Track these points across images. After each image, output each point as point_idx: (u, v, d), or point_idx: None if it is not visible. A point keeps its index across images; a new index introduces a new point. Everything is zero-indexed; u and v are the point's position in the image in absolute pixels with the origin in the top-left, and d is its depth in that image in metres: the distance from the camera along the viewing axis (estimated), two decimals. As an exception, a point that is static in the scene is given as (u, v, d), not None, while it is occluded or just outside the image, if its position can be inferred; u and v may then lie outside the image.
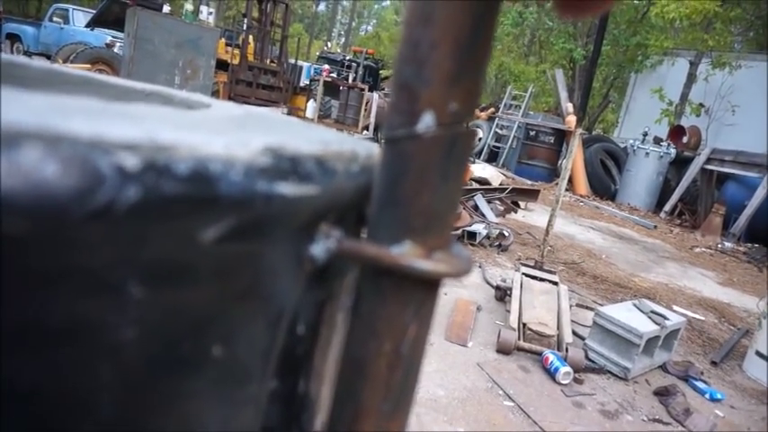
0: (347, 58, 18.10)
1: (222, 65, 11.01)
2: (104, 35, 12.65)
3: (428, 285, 0.31)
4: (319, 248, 0.30)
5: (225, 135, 0.24)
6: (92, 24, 13.16)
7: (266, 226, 0.25)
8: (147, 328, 0.22)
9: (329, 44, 28.15)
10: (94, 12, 13.44)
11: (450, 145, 0.29)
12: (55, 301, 0.19)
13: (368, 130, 12.02)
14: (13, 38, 14.07)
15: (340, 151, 0.30)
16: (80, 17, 13.93)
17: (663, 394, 2.85)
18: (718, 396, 2.99)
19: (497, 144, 13.43)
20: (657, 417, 2.66)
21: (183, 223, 0.21)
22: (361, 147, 0.34)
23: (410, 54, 0.28)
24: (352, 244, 0.30)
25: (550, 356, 2.85)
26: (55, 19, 13.87)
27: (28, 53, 13.25)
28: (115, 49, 11.40)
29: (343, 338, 0.32)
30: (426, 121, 0.29)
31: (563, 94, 12.44)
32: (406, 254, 0.29)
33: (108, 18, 12.50)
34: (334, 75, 14.82)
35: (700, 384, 3.07)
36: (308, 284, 0.30)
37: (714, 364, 3.48)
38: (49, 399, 0.20)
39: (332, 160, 0.29)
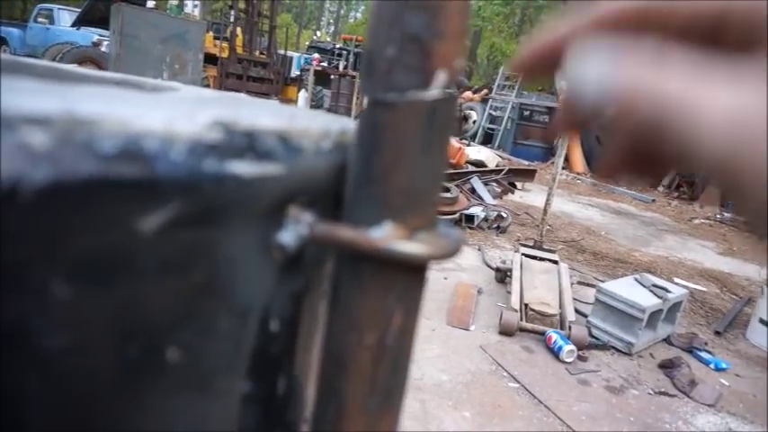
0: (337, 46, 17.93)
1: (211, 58, 10.91)
2: (91, 34, 12.48)
3: (412, 270, 0.28)
4: (289, 235, 0.27)
5: (169, 110, 0.21)
6: (78, 23, 13.00)
7: (221, 211, 0.22)
8: (80, 334, 0.19)
9: (318, 33, 27.93)
10: (80, 11, 13.27)
11: (432, 110, 0.26)
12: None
13: (361, 117, 11.94)
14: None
15: (307, 126, 0.27)
16: (65, 17, 13.74)
17: (668, 367, 2.84)
18: (723, 365, 2.99)
19: (492, 126, 13.34)
20: (663, 389, 2.66)
21: (114, 210, 0.18)
22: (334, 122, 0.31)
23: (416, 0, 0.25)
24: (325, 228, 0.27)
25: (553, 335, 2.84)
26: (40, 20, 13.67)
27: (15, 55, 13.08)
28: (103, 48, 11.27)
29: (322, 332, 0.29)
30: (441, 81, 0.25)
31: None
32: (386, 236, 0.26)
33: (94, 17, 12.34)
34: (324, 64, 14.69)
35: (704, 355, 3.06)
36: (279, 276, 0.28)
37: (718, 333, 3.48)
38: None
39: (298, 136, 0.26)
